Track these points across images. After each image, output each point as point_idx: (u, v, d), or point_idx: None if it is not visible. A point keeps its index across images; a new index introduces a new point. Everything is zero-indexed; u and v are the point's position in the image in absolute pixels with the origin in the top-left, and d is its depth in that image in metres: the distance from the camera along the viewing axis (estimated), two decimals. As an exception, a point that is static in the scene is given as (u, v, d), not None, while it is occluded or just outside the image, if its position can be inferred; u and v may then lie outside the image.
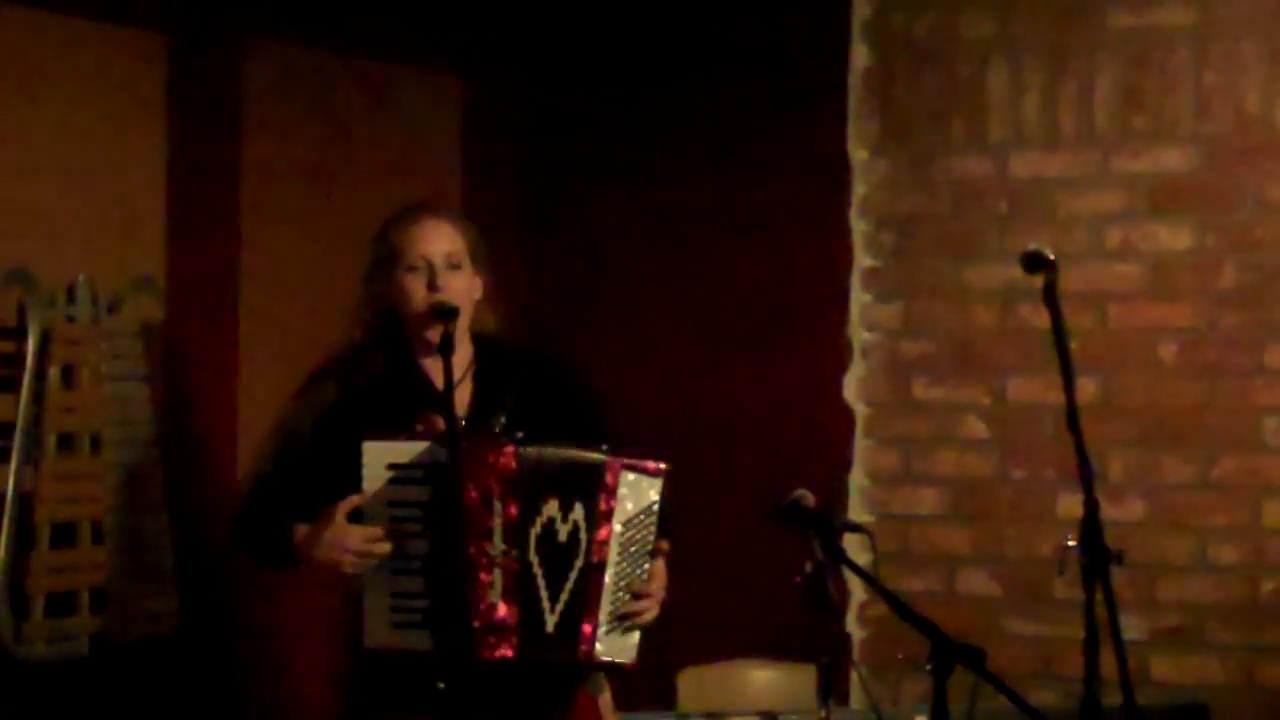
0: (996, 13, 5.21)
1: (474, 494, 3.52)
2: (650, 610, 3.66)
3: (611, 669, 3.69)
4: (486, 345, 3.80)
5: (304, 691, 4.85)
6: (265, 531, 3.68)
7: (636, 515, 3.64)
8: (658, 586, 3.67)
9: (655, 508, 3.65)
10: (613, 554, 3.61)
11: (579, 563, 3.60)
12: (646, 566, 3.65)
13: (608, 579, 3.61)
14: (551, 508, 3.59)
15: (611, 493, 3.61)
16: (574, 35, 5.76)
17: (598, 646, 3.60)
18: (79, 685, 4.54)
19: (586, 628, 3.60)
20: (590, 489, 3.60)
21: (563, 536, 3.59)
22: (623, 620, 3.63)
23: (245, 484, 3.83)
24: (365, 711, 3.67)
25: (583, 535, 3.60)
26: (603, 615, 3.61)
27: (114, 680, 4.62)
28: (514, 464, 3.55)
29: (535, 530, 3.57)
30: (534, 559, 3.57)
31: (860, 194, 5.37)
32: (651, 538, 3.66)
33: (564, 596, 3.59)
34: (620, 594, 3.62)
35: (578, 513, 3.60)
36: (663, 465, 3.65)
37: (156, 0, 4.81)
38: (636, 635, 3.65)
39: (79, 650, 4.56)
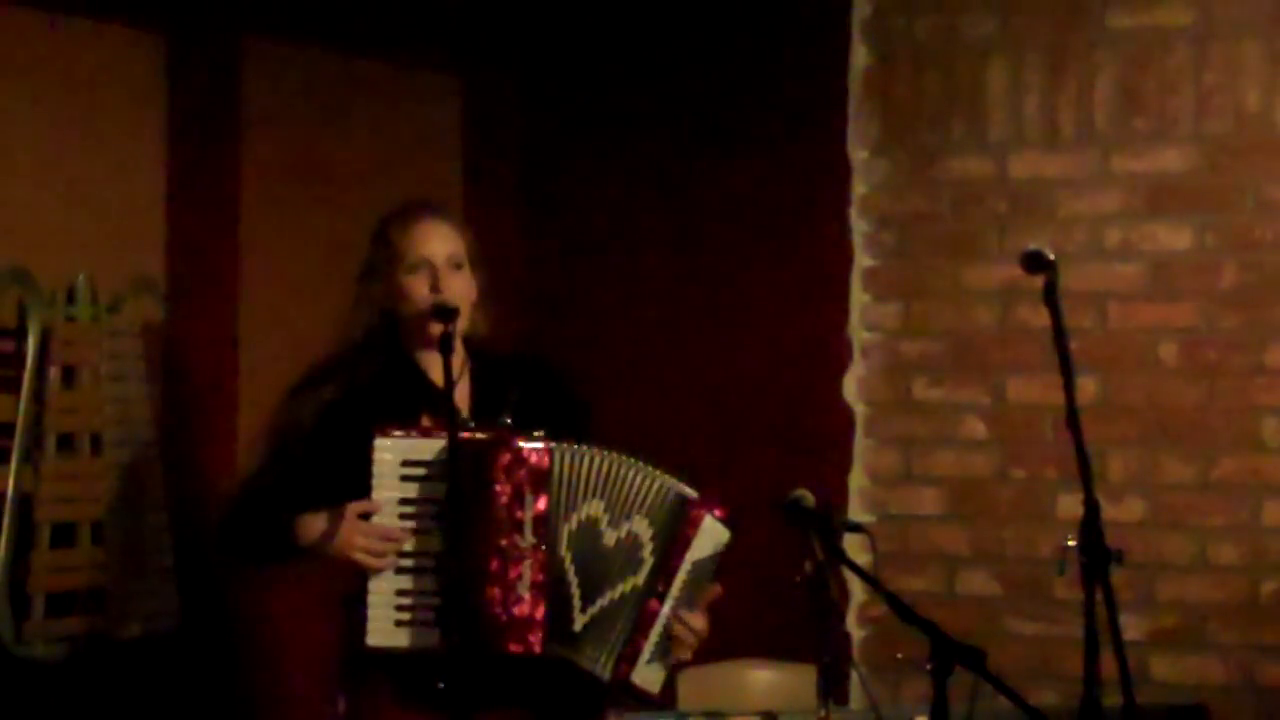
0: (996, 13, 5.21)
1: (505, 487, 3.52)
2: (689, 651, 3.66)
3: (638, 695, 3.68)
4: (480, 348, 3.79)
5: (304, 691, 4.85)
6: (260, 527, 3.66)
7: (705, 559, 3.65)
8: (701, 631, 3.68)
9: (719, 556, 3.67)
10: (676, 587, 3.62)
11: (636, 580, 3.61)
12: (698, 607, 3.66)
13: (666, 609, 3.62)
14: (593, 508, 3.59)
15: (695, 527, 3.62)
16: (573, 34, 5.76)
17: (635, 672, 3.61)
18: (79, 685, 4.54)
19: (632, 650, 3.60)
20: (675, 517, 3.62)
21: (609, 541, 3.59)
22: (665, 653, 3.63)
23: (239, 482, 3.82)
24: (369, 712, 3.67)
25: (646, 555, 3.61)
26: (650, 643, 3.61)
27: (114, 680, 4.62)
28: (546, 460, 3.54)
29: (569, 527, 3.57)
30: (565, 555, 3.57)
31: (860, 194, 5.37)
32: (709, 581, 3.67)
33: (602, 601, 3.59)
34: (669, 626, 3.62)
35: (639, 527, 3.60)
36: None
37: (156, 0, 4.81)
38: (666, 671, 3.67)
39: (79, 650, 4.56)
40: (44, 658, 4.48)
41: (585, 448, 3.59)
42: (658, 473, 3.64)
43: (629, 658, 3.59)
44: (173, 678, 4.74)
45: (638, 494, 3.61)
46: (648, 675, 3.63)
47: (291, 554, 3.63)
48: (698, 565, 3.63)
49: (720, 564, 3.68)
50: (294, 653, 4.93)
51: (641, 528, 3.61)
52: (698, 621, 3.65)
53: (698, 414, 5.49)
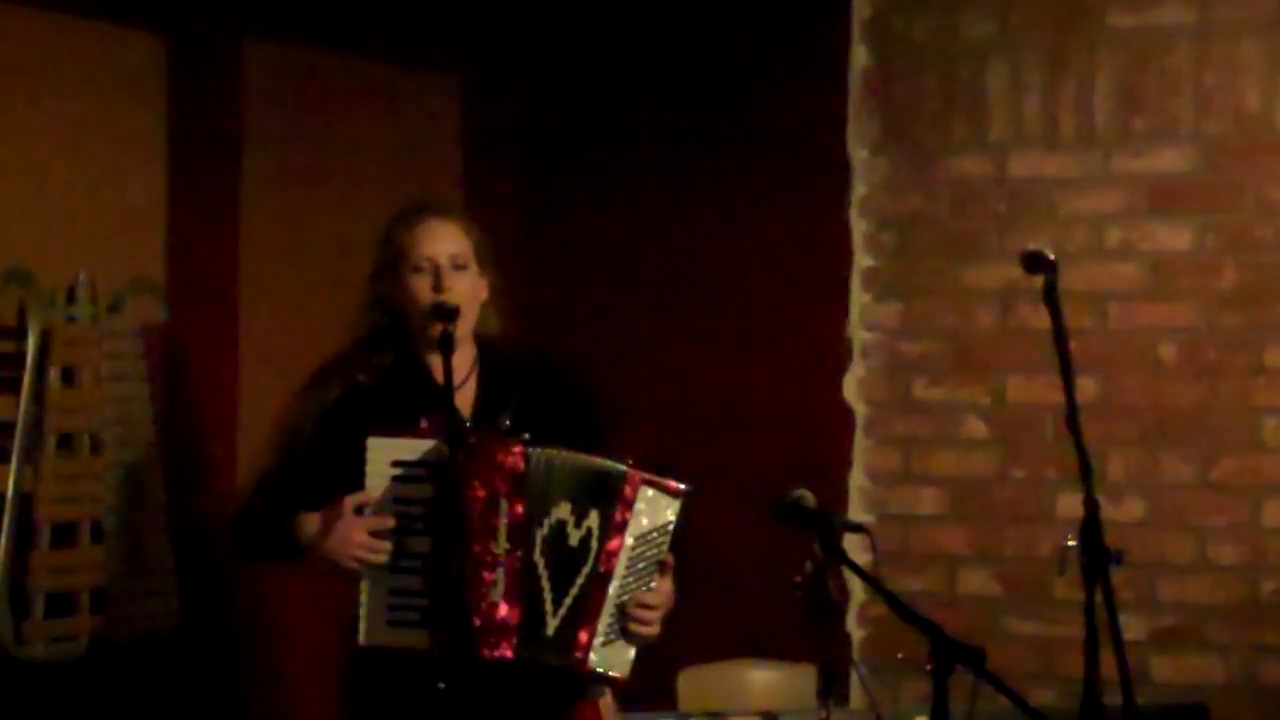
0: (996, 13, 5.21)
1: (480, 492, 3.52)
2: (651, 628, 3.64)
3: (604, 680, 3.67)
4: (490, 347, 3.79)
5: (304, 691, 4.85)
6: (268, 526, 3.67)
7: (650, 532, 3.62)
8: (662, 605, 3.66)
9: (670, 527, 3.63)
10: (620, 566, 3.60)
11: (586, 569, 3.60)
12: (653, 584, 3.64)
13: (611, 590, 3.60)
14: (563, 510, 3.58)
15: (629, 505, 3.59)
16: (573, 34, 5.76)
17: (592, 656, 3.59)
18: (79, 685, 4.54)
19: (583, 636, 3.58)
20: (607, 498, 3.60)
21: (574, 541, 3.59)
22: (622, 633, 3.62)
23: (247, 481, 3.83)
24: (362, 711, 3.67)
25: (594, 543, 3.59)
26: (601, 626, 3.59)
27: (114, 680, 4.62)
28: (522, 464, 3.54)
29: (543, 532, 3.56)
30: (539, 560, 3.56)
31: (860, 194, 5.38)
32: (662, 556, 3.64)
33: (568, 601, 3.59)
34: (622, 607, 3.61)
35: (592, 520, 3.59)
36: (684, 487, 3.63)
37: (156, 0, 4.81)
38: (633, 650, 3.64)
39: (79, 650, 4.56)
40: (44, 658, 4.48)
41: (558, 450, 3.59)
42: (606, 462, 3.62)
43: (583, 647, 3.58)
44: (173, 678, 4.74)
45: (593, 489, 3.60)
46: (610, 658, 3.61)
47: (297, 553, 3.64)
48: (643, 539, 3.61)
49: (677, 532, 3.63)
50: (294, 654, 4.94)
51: (593, 519, 3.60)
52: (653, 596, 3.63)
53: (697, 414, 5.49)
